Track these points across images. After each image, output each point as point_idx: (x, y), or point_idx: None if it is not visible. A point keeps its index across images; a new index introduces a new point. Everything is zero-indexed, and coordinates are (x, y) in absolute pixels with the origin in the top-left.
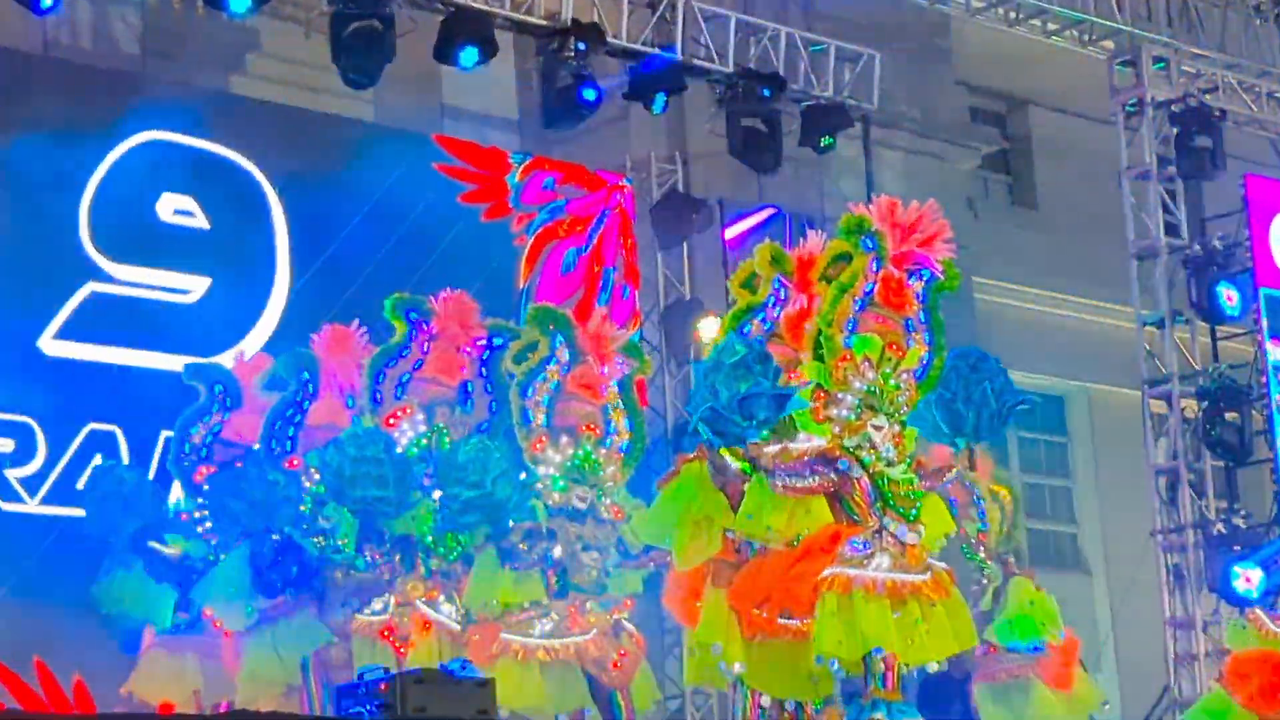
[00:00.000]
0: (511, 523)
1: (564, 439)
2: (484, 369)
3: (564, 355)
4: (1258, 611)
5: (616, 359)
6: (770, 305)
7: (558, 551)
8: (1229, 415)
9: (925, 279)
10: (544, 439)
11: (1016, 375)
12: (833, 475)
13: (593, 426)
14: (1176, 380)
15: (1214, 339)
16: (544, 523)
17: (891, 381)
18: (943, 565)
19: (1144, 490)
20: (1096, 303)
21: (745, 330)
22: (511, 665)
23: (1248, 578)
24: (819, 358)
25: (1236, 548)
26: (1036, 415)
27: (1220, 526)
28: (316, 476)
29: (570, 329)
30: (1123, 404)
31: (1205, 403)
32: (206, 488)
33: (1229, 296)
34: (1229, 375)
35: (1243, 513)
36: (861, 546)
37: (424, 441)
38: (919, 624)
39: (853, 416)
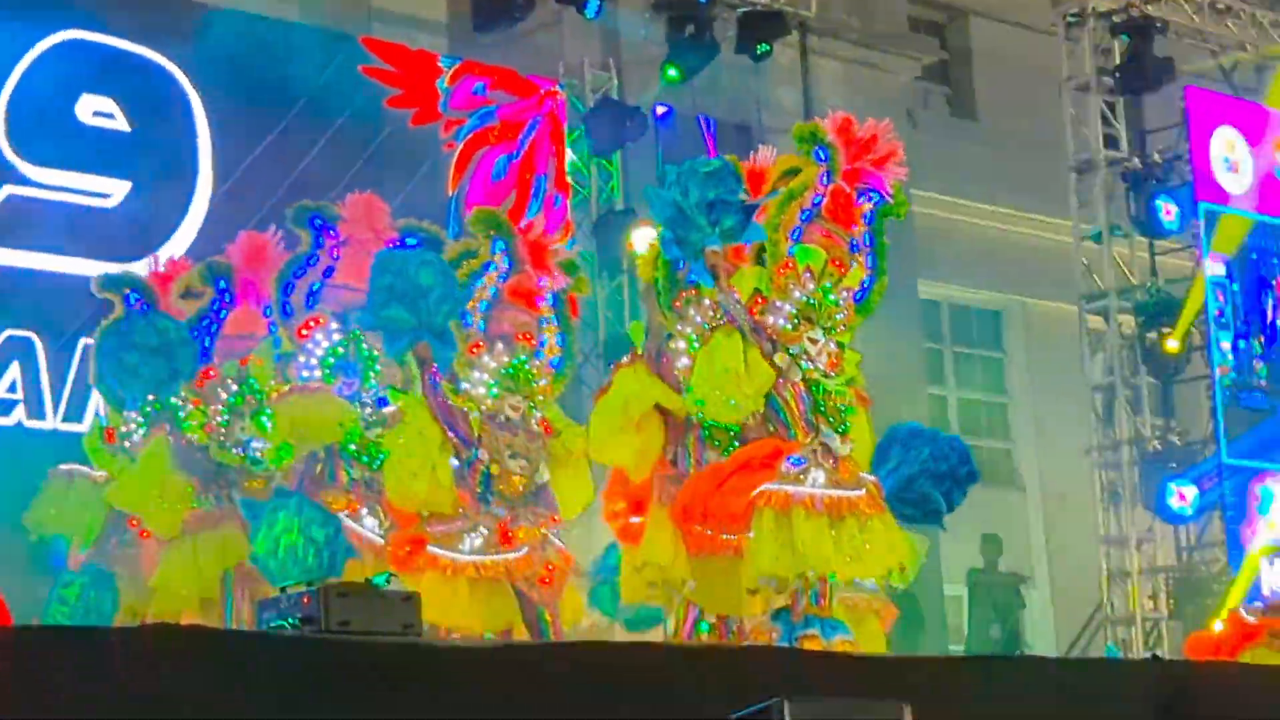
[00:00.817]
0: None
1: (499, 346)
2: None
3: (503, 263)
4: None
5: (555, 271)
6: None
7: (484, 458)
8: (1166, 331)
9: (874, 201)
10: (481, 344)
11: (953, 290)
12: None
13: (528, 336)
14: (1114, 295)
15: (1152, 254)
16: (475, 427)
17: (831, 296)
18: (873, 478)
19: (1080, 407)
20: (1035, 216)
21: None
22: (439, 581)
23: (1182, 495)
24: (760, 262)
25: (1172, 465)
26: (973, 330)
27: (1156, 444)
28: (234, 388)
29: (511, 236)
30: (1060, 319)
31: (1142, 318)
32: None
33: (1168, 211)
34: (1166, 291)
35: (1178, 430)
36: (798, 463)
37: (340, 350)
38: (856, 540)
39: (789, 326)
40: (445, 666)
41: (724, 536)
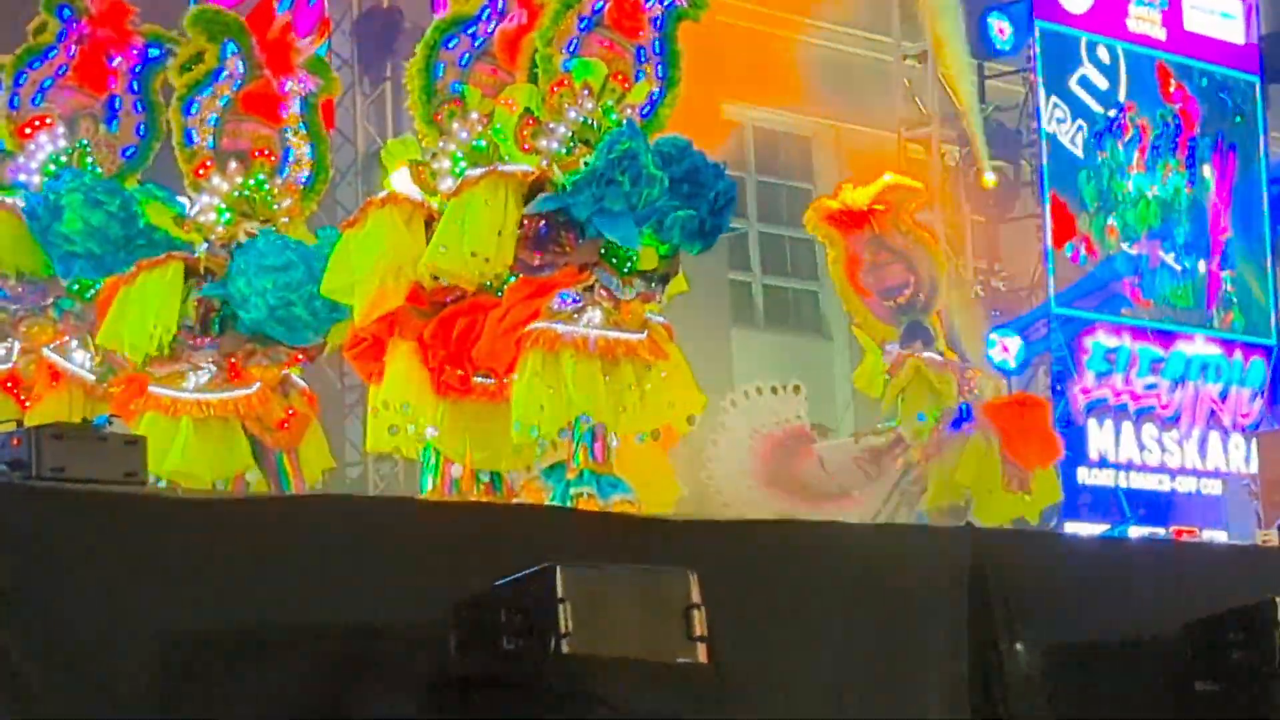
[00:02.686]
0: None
1: (233, 165)
2: (135, 83)
3: (236, 67)
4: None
5: (300, 75)
6: (484, 19)
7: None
8: (995, 163)
9: (665, 3)
10: (209, 163)
11: (758, 112)
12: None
13: (268, 153)
14: (937, 123)
15: (981, 77)
16: (202, 259)
17: (613, 116)
18: (661, 320)
19: None
20: (852, 31)
21: (451, 45)
22: (158, 421)
23: (1005, 346)
24: (532, 79)
25: (995, 313)
26: (779, 157)
27: (978, 289)
28: None
29: (244, 36)
30: (876, 147)
31: (968, 149)
32: None
33: (1000, 29)
34: (996, 119)
35: (1004, 274)
36: (572, 300)
37: (62, 159)
38: (631, 389)
39: (564, 150)
40: (173, 520)
41: (478, 379)
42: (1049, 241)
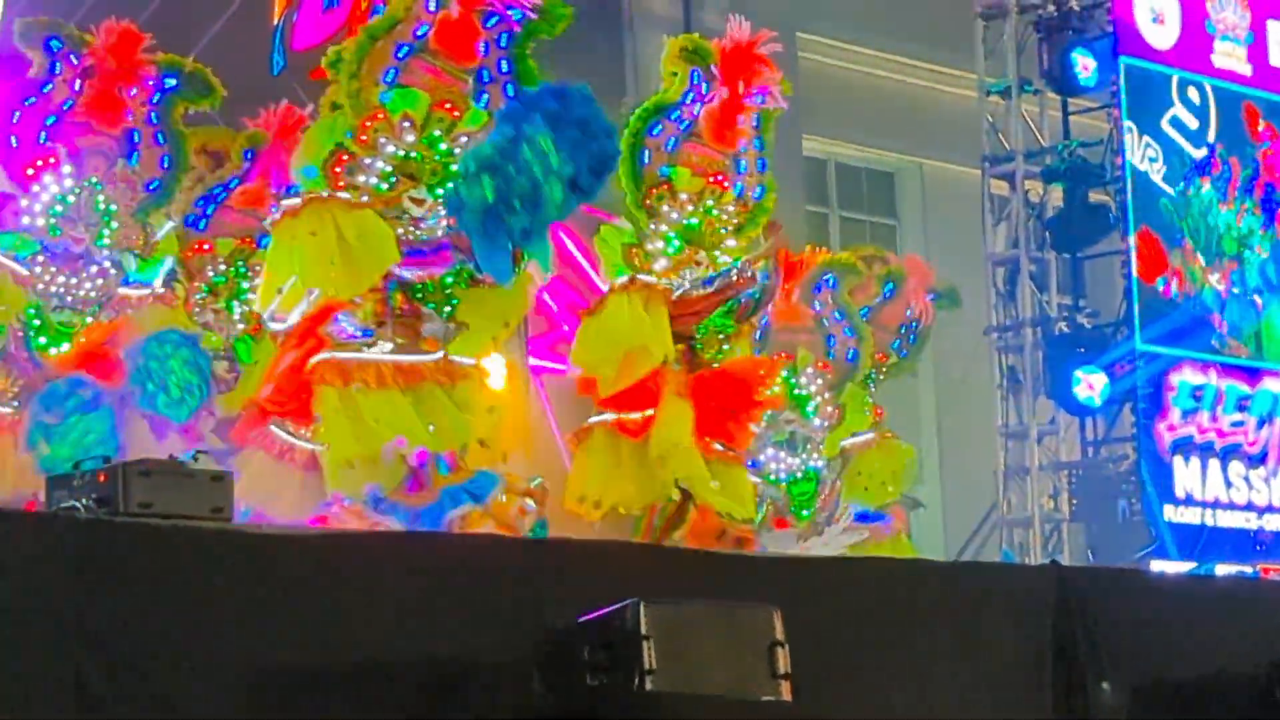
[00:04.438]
0: None
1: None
2: (154, 115)
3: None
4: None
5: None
6: (687, 102)
7: None
8: (1078, 199)
9: (517, 19)
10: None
11: (841, 147)
12: None
13: (720, 179)
14: (1021, 158)
15: (1065, 113)
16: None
17: (442, 146)
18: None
19: (979, 282)
20: (935, 67)
21: (655, 132)
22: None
23: (1090, 384)
24: (334, 108)
25: (1080, 350)
26: (862, 193)
27: (1063, 325)
28: None
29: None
30: (959, 183)
31: (1052, 185)
32: None
33: (1084, 65)
34: (1080, 155)
35: (1088, 310)
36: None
37: (70, 199)
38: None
39: (386, 186)
40: (258, 555)
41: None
42: (1134, 277)
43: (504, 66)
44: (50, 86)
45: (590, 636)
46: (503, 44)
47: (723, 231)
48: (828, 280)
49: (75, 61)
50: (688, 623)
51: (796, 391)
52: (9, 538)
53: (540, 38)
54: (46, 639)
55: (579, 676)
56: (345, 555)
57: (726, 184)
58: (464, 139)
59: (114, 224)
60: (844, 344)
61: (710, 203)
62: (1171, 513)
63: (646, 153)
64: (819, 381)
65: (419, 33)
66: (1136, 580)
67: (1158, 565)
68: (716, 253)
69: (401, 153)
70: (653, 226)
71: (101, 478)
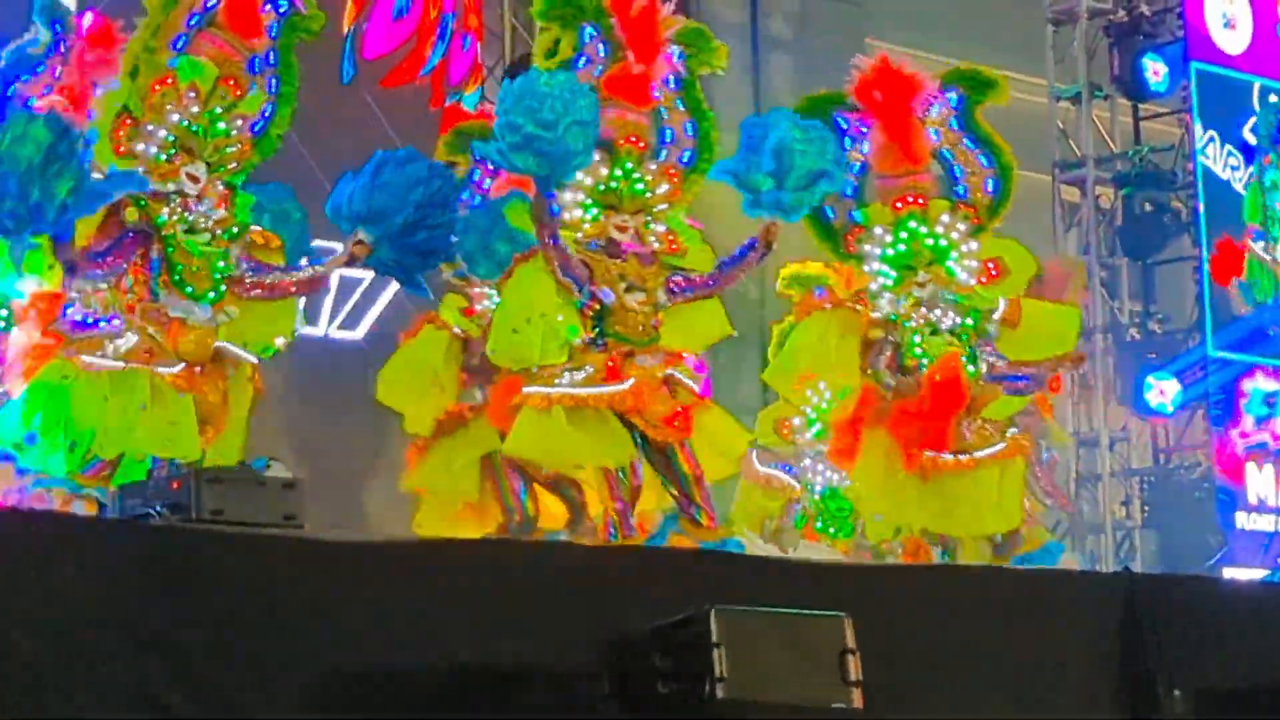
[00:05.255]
0: None
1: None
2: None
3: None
4: None
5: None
6: (582, 67)
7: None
8: (1149, 205)
9: (279, 9)
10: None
11: None
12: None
13: (636, 139)
14: (1092, 164)
15: (1136, 118)
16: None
17: (220, 125)
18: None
19: None
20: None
21: None
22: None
23: (1162, 390)
24: (132, 76)
25: (1151, 356)
26: None
27: (1134, 331)
28: None
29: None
30: (1030, 189)
31: (1123, 190)
32: None
33: (1155, 70)
34: (1151, 160)
35: (1160, 316)
36: (104, 323)
37: None
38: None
39: (162, 156)
40: (329, 562)
41: None
42: (1206, 283)
43: (271, 58)
44: (42, 67)
45: (661, 644)
46: (273, 33)
47: (646, 195)
48: (949, 99)
49: (62, 49)
50: (758, 630)
51: (929, 243)
52: (81, 544)
53: (305, 34)
54: (118, 645)
55: (649, 684)
56: (415, 562)
57: (643, 146)
58: (239, 121)
59: None
60: (979, 175)
61: (630, 165)
62: (1243, 520)
63: None
64: (960, 228)
65: (209, 4)
66: (1208, 587)
67: (1229, 572)
68: (646, 218)
69: (185, 122)
70: (570, 195)
71: (174, 485)
